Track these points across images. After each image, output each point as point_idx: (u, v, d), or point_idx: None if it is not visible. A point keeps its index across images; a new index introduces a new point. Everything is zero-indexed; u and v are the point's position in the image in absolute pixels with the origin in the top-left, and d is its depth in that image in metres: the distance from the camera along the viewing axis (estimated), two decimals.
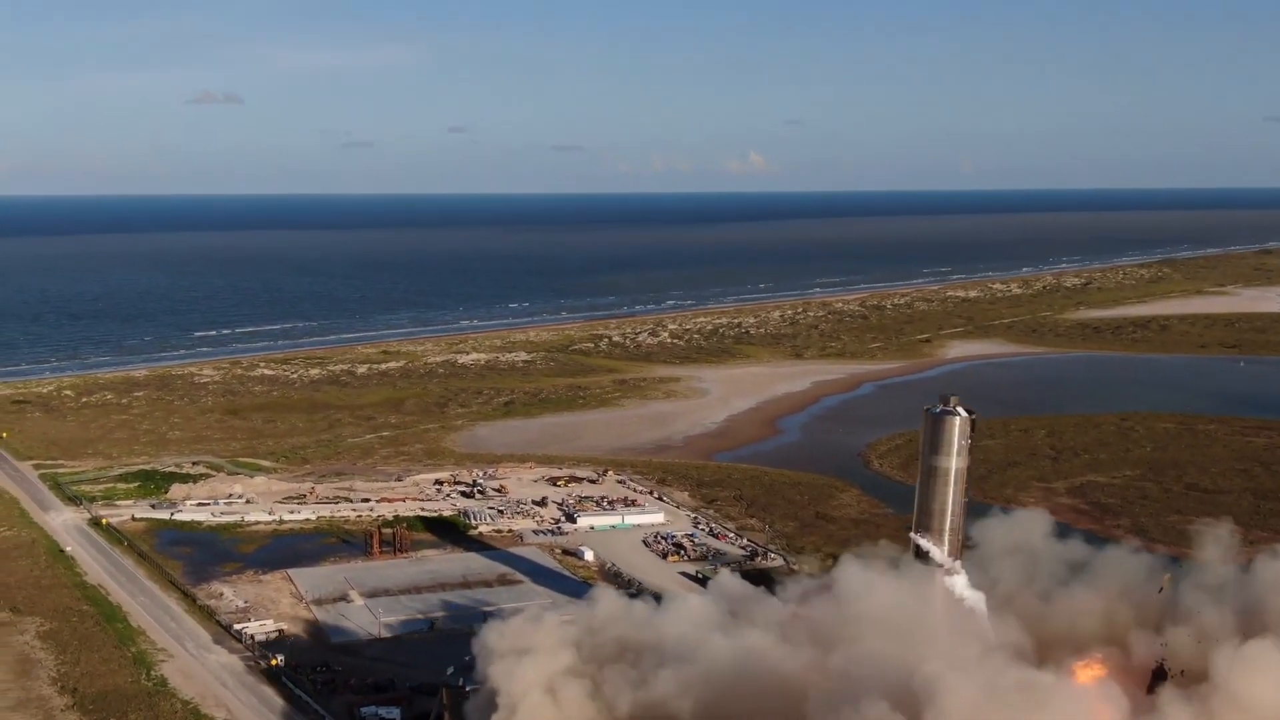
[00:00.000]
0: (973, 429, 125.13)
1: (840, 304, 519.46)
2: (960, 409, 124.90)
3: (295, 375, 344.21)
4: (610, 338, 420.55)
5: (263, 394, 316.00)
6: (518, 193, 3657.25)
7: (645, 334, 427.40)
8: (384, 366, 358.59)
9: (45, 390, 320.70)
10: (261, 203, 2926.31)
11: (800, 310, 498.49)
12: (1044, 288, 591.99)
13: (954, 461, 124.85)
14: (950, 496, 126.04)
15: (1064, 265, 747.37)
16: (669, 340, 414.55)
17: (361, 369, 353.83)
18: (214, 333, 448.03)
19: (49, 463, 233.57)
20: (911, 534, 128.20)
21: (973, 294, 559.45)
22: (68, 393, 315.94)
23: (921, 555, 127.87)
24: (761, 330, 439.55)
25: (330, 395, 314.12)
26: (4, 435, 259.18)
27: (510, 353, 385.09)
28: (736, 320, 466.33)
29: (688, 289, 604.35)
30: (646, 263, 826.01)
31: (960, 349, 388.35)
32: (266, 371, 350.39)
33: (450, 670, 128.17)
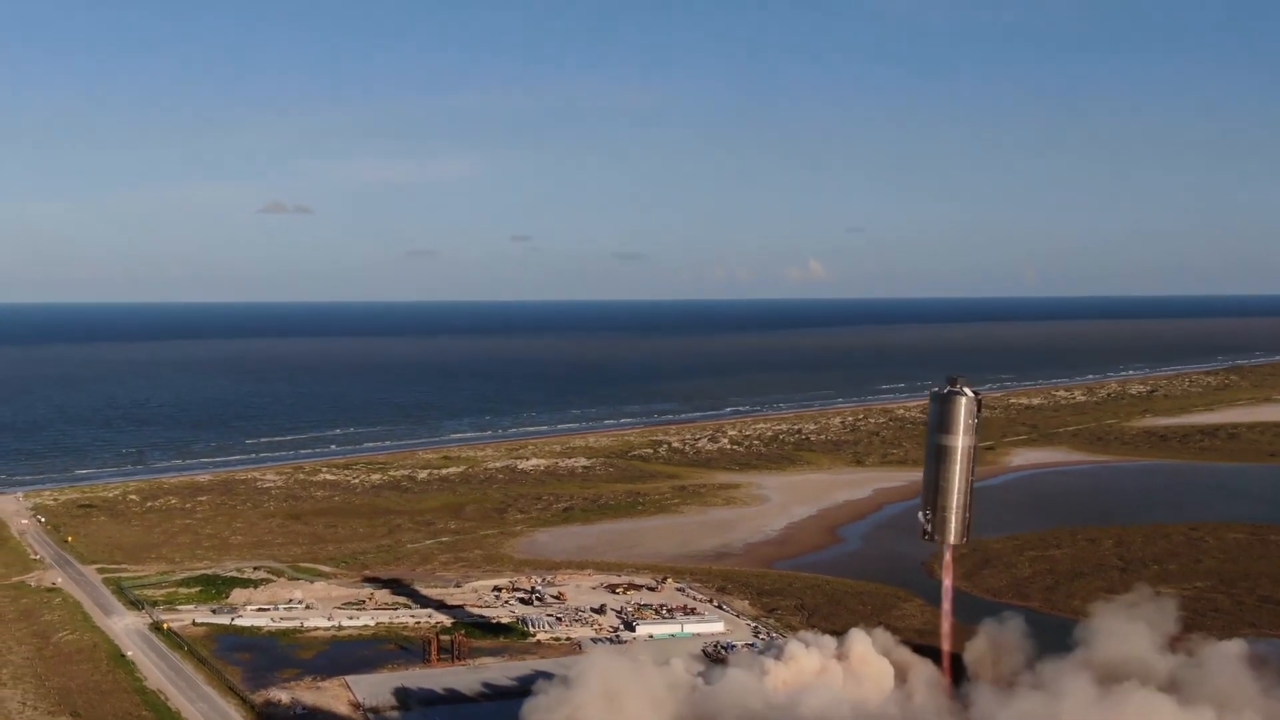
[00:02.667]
0: (979, 409, 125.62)
1: (902, 410, 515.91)
2: (966, 389, 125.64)
3: (357, 480, 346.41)
4: (670, 443, 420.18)
5: (324, 499, 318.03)
6: (579, 300, 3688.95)
7: (705, 440, 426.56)
8: (444, 472, 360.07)
9: (111, 494, 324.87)
10: (328, 309, 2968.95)
11: (861, 416, 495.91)
12: (1109, 395, 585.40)
13: (960, 440, 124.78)
14: (957, 474, 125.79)
15: (1129, 373, 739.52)
16: (729, 446, 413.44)
17: (422, 474, 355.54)
18: (278, 438, 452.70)
19: (112, 567, 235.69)
20: (920, 514, 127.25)
21: (1036, 401, 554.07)
22: (133, 497, 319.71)
23: (929, 535, 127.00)
24: (822, 437, 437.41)
25: (391, 500, 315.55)
26: (70, 539, 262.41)
27: (570, 458, 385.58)
28: (797, 426, 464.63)
29: (747, 395, 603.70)
30: (706, 369, 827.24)
31: (1025, 457, 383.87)
32: (328, 476, 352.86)
33: None
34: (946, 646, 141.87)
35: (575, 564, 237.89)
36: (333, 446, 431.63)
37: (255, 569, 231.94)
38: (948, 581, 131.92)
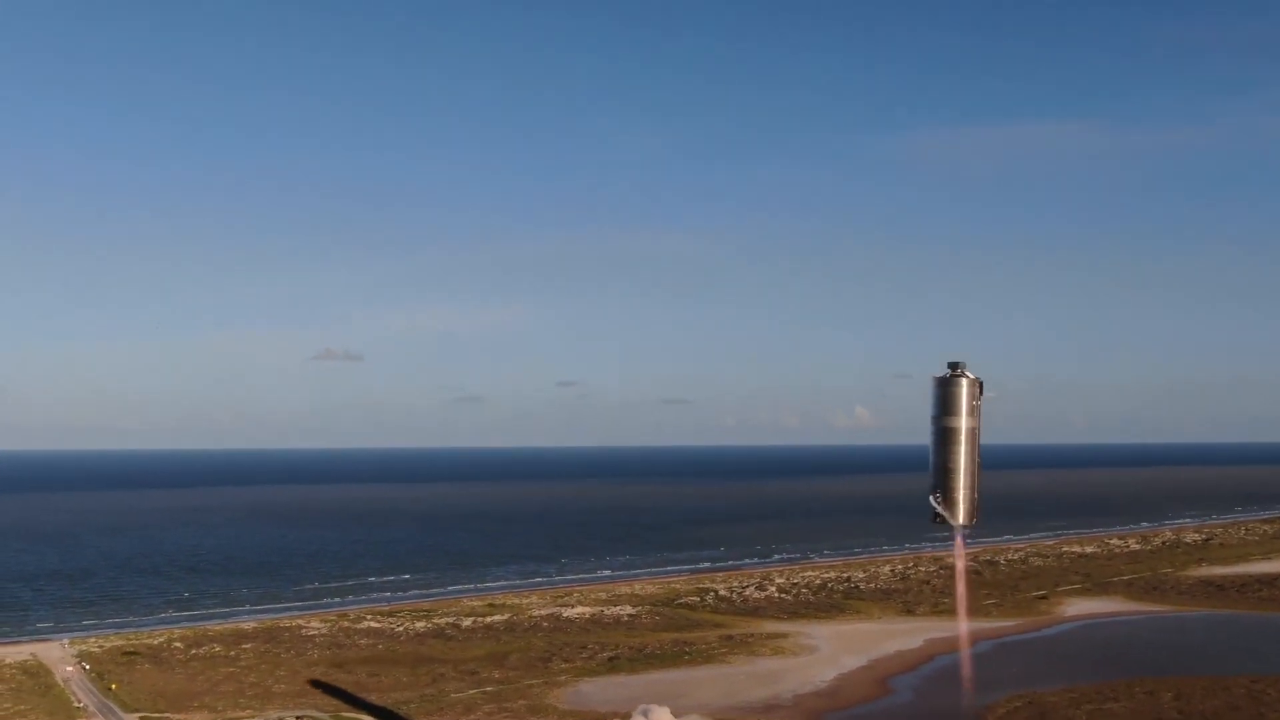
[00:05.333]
0: (980, 391, 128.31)
1: (953, 559, 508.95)
2: (967, 373, 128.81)
3: (401, 628, 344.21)
4: (717, 591, 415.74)
5: (368, 646, 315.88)
6: (625, 445, 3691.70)
7: (752, 588, 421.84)
8: (489, 619, 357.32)
9: (155, 642, 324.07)
10: (377, 455, 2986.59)
11: (911, 565, 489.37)
12: (1163, 543, 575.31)
13: (964, 421, 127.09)
14: (963, 456, 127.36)
15: (1184, 520, 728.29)
16: (776, 594, 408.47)
17: (466, 622, 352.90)
18: (324, 584, 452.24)
19: (155, 715, 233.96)
20: (931, 497, 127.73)
21: (1089, 549, 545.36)
22: (177, 644, 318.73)
23: (939, 518, 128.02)
24: (872, 585, 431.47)
25: (435, 649, 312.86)
26: (113, 687, 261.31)
27: (615, 606, 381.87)
28: (845, 574, 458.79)
29: (795, 542, 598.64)
30: (754, 515, 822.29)
31: (1079, 606, 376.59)
32: (373, 624, 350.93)
33: None
34: (963, 629, 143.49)
35: (620, 715, 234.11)
36: (386, 593, 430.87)
37: (297, 718, 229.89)
38: (960, 564, 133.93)
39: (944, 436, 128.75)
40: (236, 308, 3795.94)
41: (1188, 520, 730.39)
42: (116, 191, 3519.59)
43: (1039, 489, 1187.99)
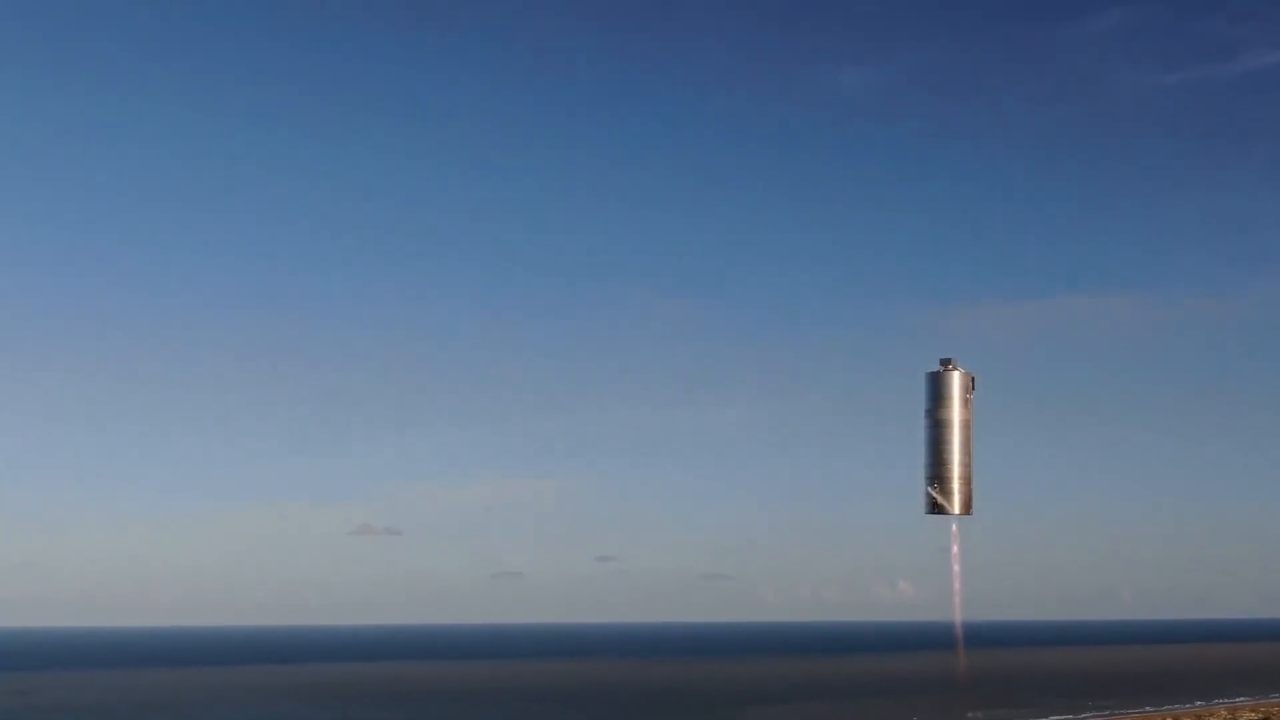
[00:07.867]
0: (973, 385, 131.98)
1: None
2: (959, 367, 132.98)
3: None
4: None
5: None
6: (665, 621, 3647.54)
7: None
8: None
9: None
10: (415, 632, 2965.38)
11: None
12: None
13: (956, 413, 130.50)
14: (956, 447, 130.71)
15: (1240, 699, 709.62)
16: None
17: None
18: None
19: None
20: (927, 488, 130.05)
21: None
22: None
23: (936, 508, 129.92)
24: None
25: None
26: None
27: None
28: None
29: None
30: (797, 693, 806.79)
31: None
32: None
33: None
34: (958, 617, 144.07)
35: None
36: None
37: None
38: (955, 548, 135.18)
39: (937, 430, 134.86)
40: (274, 482, 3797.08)
41: (1243, 699, 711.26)
42: (149, 361, 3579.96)
43: (1090, 666, 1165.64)
